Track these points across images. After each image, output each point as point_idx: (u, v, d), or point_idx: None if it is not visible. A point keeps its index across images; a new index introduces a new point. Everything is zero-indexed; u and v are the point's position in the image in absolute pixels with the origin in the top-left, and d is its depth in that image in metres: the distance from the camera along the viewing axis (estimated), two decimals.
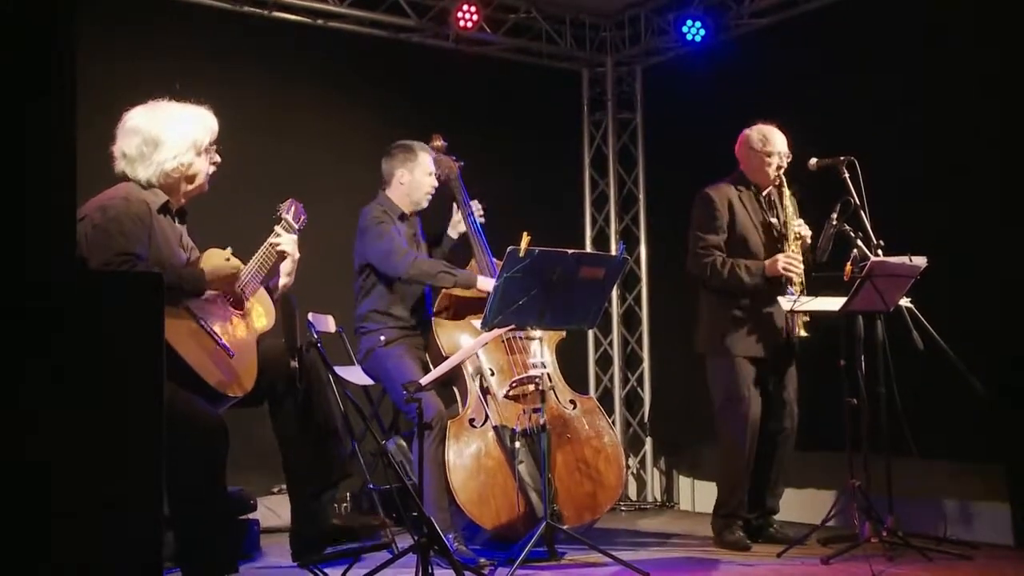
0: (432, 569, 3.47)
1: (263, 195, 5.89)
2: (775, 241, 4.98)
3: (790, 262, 4.81)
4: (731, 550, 4.85)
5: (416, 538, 3.54)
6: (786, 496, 5.15)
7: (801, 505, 5.51)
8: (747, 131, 5.09)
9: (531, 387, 4.72)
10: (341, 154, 6.23)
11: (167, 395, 3.11)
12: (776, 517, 5.12)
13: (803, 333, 4.82)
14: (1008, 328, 4.93)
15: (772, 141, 5.01)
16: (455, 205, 5.24)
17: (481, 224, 5.15)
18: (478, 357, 4.80)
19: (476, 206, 5.20)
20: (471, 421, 4.71)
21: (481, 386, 4.79)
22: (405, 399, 4.12)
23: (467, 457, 4.64)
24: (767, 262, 4.88)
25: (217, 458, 3.30)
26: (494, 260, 4.96)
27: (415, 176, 5.08)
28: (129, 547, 1.98)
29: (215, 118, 3.75)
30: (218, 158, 3.77)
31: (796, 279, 4.82)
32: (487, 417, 4.71)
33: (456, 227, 5.27)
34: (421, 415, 4.02)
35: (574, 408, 4.91)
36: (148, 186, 3.60)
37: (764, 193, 5.06)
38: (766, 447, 5.01)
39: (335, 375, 3.85)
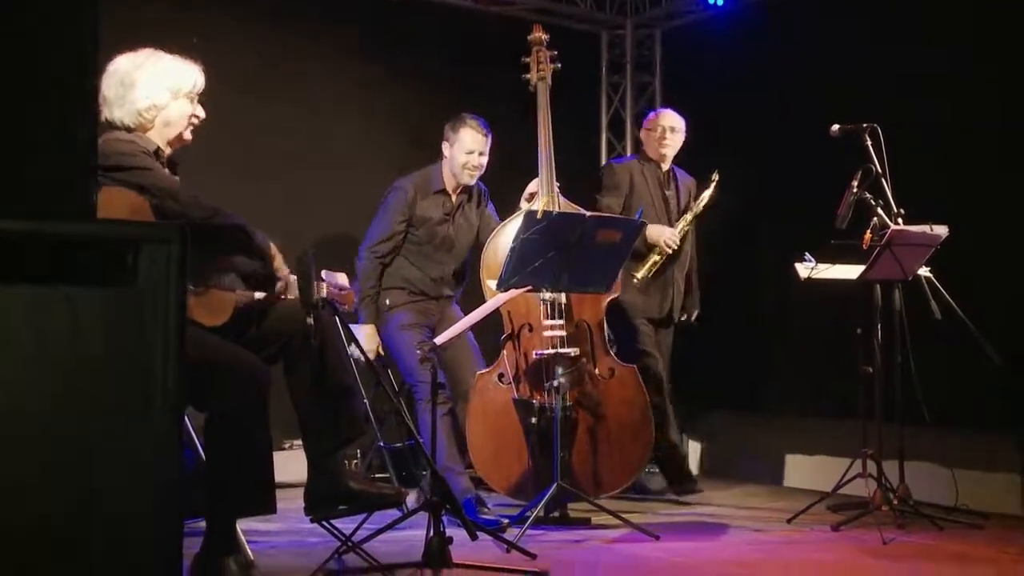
0: (444, 528, 3.49)
1: (284, 162, 5.91)
2: (671, 214, 5.55)
3: (674, 238, 5.36)
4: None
5: (428, 497, 3.55)
6: (797, 463, 5.17)
7: (812, 472, 5.51)
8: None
9: (564, 351, 4.56)
10: (363, 117, 6.19)
11: (206, 338, 3.14)
12: (788, 484, 5.13)
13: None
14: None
15: (657, 118, 5.60)
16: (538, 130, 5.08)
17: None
18: (525, 314, 4.65)
19: None
20: (500, 376, 4.65)
21: (514, 345, 4.66)
22: (419, 358, 4.13)
23: (489, 414, 4.60)
24: (654, 227, 5.34)
25: (260, 395, 3.27)
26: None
27: (453, 152, 4.95)
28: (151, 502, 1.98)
29: (201, 74, 3.64)
30: (201, 112, 3.65)
31: (664, 253, 5.37)
32: (515, 376, 4.64)
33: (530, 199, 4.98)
34: (435, 374, 4.02)
35: (611, 376, 4.75)
36: (128, 130, 3.51)
37: (664, 170, 5.58)
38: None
39: (349, 332, 3.84)
